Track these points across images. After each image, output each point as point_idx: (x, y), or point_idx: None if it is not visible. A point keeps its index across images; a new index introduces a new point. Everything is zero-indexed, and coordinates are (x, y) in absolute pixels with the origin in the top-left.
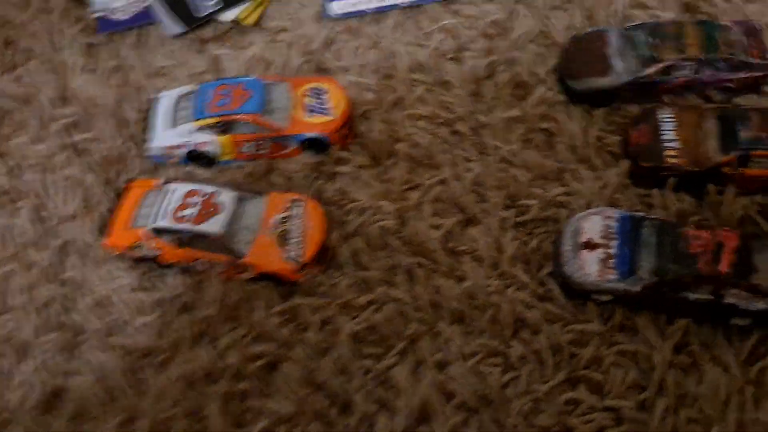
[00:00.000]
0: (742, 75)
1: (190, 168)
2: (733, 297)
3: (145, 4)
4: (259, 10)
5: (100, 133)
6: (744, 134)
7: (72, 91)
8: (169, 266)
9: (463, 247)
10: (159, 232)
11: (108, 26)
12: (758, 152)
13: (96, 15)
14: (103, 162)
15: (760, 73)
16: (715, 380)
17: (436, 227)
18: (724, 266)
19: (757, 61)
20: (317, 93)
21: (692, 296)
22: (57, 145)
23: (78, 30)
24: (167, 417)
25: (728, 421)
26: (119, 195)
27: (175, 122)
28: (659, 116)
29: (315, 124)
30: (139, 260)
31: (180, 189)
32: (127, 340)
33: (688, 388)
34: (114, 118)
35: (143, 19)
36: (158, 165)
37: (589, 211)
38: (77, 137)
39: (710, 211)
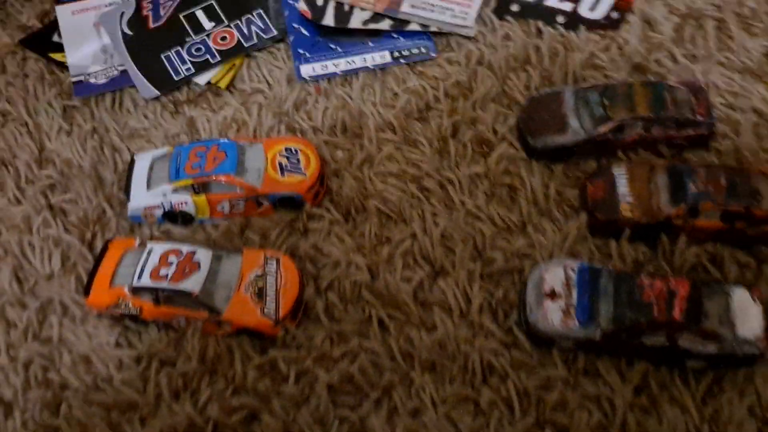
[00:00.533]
0: (689, 132)
1: (166, 227)
2: (686, 341)
3: (121, 69)
4: (231, 73)
5: (77, 194)
6: (692, 188)
7: (49, 153)
8: (149, 323)
9: (433, 299)
10: (138, 290)
11: (84, 90)
12: (706, 204)
13: (72, 79)
14: (81, 223)
15: (704, 130)
16: (673, 420)
17: (407, 280)
18: (676, 313)
19: (701, 118)
20: (290, 153)
21: (649, 341)
22: (34, 207)
23: (54, 94)
24: None
25: None
26: (97, 255)
27: (151, 184)
28: (614, 172)
29: (288, 183)
30: (120, 318)
31: (158, 248)
32: (109, 396)
33: (648, 429)
34: (91, 179)
35: (119, 84)
36: (135, 225)
37: (550, 262)
38: (55, 199)
39: (664, 260)
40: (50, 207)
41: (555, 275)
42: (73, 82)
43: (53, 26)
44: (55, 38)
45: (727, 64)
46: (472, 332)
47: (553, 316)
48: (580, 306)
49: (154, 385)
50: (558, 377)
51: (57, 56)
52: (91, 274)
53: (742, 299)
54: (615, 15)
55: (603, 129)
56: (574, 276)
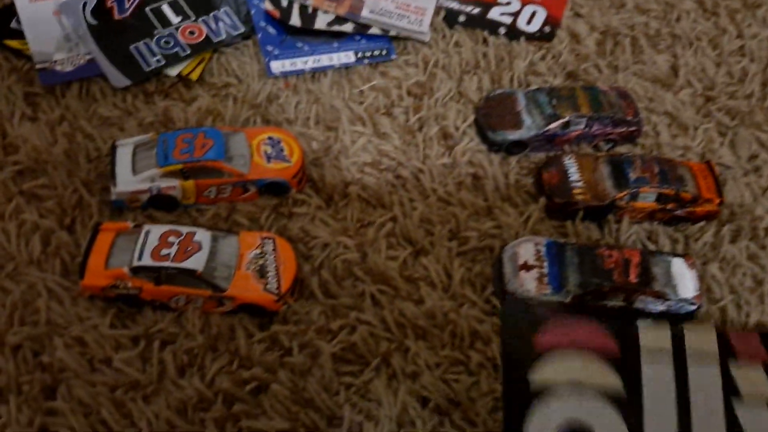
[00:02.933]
0: (622, 129)
1: (149, 212)
2: (640, 302)
3: (88, 57)
4: (201, 66)
5: (50, 180)
6: (632, 175)
7: (13, 139)
8: (143, 306)
9: (417, 275)
10: (138, 270)
11: (50, 78)
12: (644, 189)
13: (37, 66)
14: (58, 208)
15: (635, 128)
16: None
17: (393, 258)
18: (632, 277)
19: (631, 118)
20: (273, 142)
21: (609, 303)
22: (4, 194)
23: (14, 80)
24: None
25: None
26: (84, 239)
27: (137, 169)
28: (565, 161)
29: (274, 169)
30: (113, 300)
31: (156, 230)
32: (110, 377)
33: None
34: (64, 165)
35: (86, 72)
36: (117, 209)
37: (521, 239)
38: (26, 185)
39: (610, 237)
40: (21, 193)
41: (527, 250)
42: (38, 70)
43: (9, 13)
44: (13, 24)
45: (642, 75)
46: (457, 303)
47: (528, 284)
48: (551, 275)
49: (157, 362)
50: None
51: (13, 43)
52: (84, 257)
53: (679, 266)
54: (547, 29)
55: (553, 126)
56: (543, 250)
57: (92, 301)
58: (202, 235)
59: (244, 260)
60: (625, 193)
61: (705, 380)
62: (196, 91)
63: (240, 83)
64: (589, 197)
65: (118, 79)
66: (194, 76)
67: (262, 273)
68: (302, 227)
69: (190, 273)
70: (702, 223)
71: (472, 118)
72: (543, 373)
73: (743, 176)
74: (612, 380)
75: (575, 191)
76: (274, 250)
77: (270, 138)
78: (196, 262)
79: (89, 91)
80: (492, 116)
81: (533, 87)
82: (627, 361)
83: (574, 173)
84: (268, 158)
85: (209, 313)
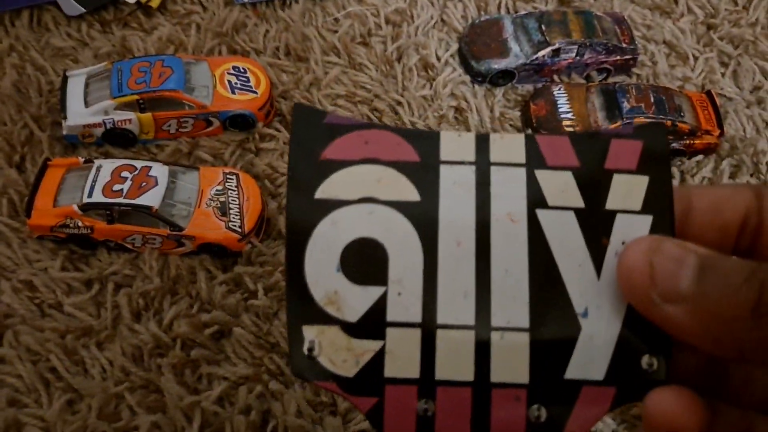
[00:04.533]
0: (616, 57)
1: (105, 149)
2: None
3: None
4: None
5: None
6: (626, 105)
7: None
8: (97, 246)
9: None
10: (89, 207)
11: None
12: (638, 119)
13: None
14: (6, 145)
15: (630, 56)
16: None
17: None
18: None
19: (626, 45)
20: (238, 72)
21: None
22: None
23: None
24: (116, 393)
25: None
26: (33, 176)
27: (90, 101)
28: (554, 92)
29: (239, 101)
30: (66, 240)
31: (108, 165)
32: (61, 323)
33: None
34: (13, 100)
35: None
36: (71, 146)
37: None
38: None
39: None
40: None
41: None
42: None
43: None
44: None
45: (640, 1)
46: None
47: None
48: None
49: (111, 307)
50: None
51: None
52: (32, 195)
53: None
54: None
55: (542, 53)
56: None
57: (42, 242)
58: (159, 170)
59: (205, 197)
60: (618, 124)
61: (508, 187)
62: (156, 19)
63: (205, 11)
64: (579, 129)
65: (72, 6)
66: (154, 3)
67: (223, 210)
68: (270, 163)
69: (145, 210)
70: (700, 157)
71: (455, 47)
72: (330, 191)
73: (746, 108)
74: (407, 192)
75: (565, 123)
76: (237, 186)
77: (235, 67)
78: (151, 198)
79: (41, 20)
80: (476, 44)
81: (523, 12)
82: (425, 171)
83: (563, 104)
84: (233, 89)
85: (168, 254)
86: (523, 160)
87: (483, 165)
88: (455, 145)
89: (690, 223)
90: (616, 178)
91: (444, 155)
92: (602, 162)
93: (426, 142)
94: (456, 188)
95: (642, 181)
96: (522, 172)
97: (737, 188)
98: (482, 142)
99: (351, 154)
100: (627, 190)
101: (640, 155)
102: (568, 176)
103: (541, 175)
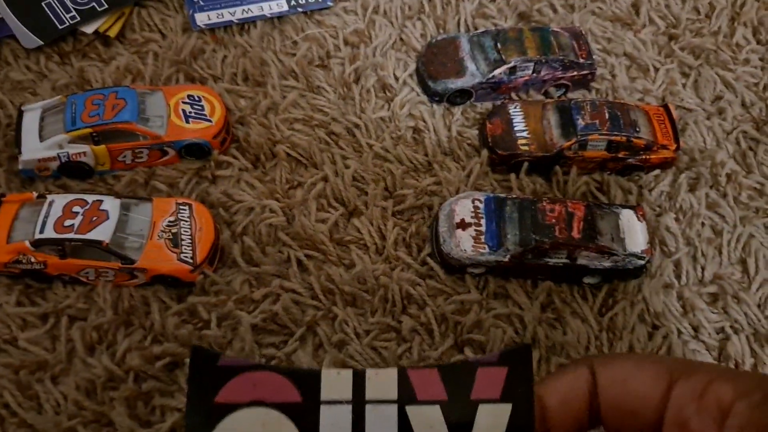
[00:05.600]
0: (573, 73)
1: (62, 182)
2: (584, 258)
3: None
4: (120, 22)
5: None
6: (581, 122)
7: None
8: (53, 280)
9: (348, 238)
10: (41, 243)
11: None
12: (593, 136)
13: None
14: None
15: (587, 71)
16: (576, 330)
17: (323, 221)
18: (575, 232)
19: (584, 60)
20: (193, 100)
21: (551, 261)
22: None
23: None
24: (69, 427)
25: None
26: None
27: (44, 135)
28: (509, 110)
29: (194, 130)
30: (21, 275)
31: (60, 200)
32: (15, 358)
33: (555, 339)
34: None
35: None
36: (28, 180)
37: (459, 195)
38: None
39: (558, 189)
40: None
41: (464, 207)
42: None
43: None
44: None
45: (600, 14)
46: (389, 266)
47: (465, 244)
48: (489, 233)
49: (65, 341)
50: (472, 301)
51: None
52: None
53: (628, 218)
54: None
55: (498, 71)
56: (481, 206)
57: None
58: (110, 204)
59: (157, 229)
60: (572, 141)
61: (381, 425)
62: (115, 48)
63: (164, 38)
64: (534, 148)
65: (29, 39)
66: (113, 32)
67: (175, 242)
68: (225, 191)
69: (96, 244)
70: (657, 172)
71: (413, 66)
72: None
73: (706, 119)
74: None
75: (520, 142)
76: (190, 216)
77: (190, 96)
78: (101, 233)
79: (1, 55)
80: (433, 64)
81: (480, 30)
82: (307, 412)
83: (519, 122)
84: (187, 118)
85: (122, 286)
86: (395, 396)
87: (359, 404)
88: (334, 383)
89: (549, 422)
90: (482, 409)
91: (324, 395)
92: (468, 393)
93: (308, 381)
94: (334, 430)
95: (505, 409)
96: (394, 409)
97: (577, 373)
98: (359, 380)
99: (240, 397)
100: (492, 421)
101: (504, 383)
102: (436, 410)
103: (411, 411)
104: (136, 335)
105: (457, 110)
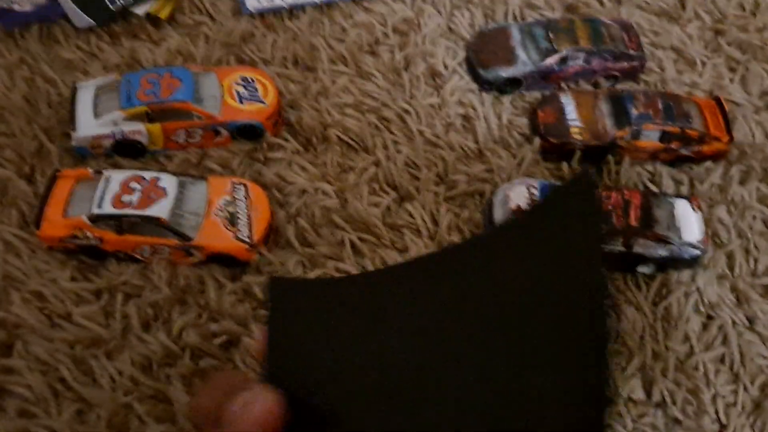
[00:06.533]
0: (624, 64)
1: (115, 160)
2: (640, 246)
3: None
4: (171, 4)
5: (8, 128)
6: (634, 111)
7: None
8: (107, 257)
9: (401, 222)
10: (98, 219)
11: (8, 18)
12: (647, 126)
13: None
14: (16, 156)
15: (637, 63)
16: (632, 319)
17: (375, 205)
18: (632, 220)
19: (634, 52)
20: (246, 82)
21: (606, 248)
22: None
23: None
24: (126, 403)
25: (646, 350)
26: (43, 188)
27: (99, 113)
28: (562, 99)
29: (248, 111)
30: (75, 251)
31: (117, 176)
32: (70, 333)
33: (611, 326)
34: (23, 112)
35: (46, 13)
36: (81, 157)
37: (513, 181)
38: None
39: (610, 179)
40: None
41: (519, 193)
42: None
43: None
44: None
45: (647, 8)
46: None
47: None
48: None
49: (120, 317)
50: None
51: None
52: (41, 206)
53: (684, 208)
54: None
55: (550, 61)
56: (537, 193)
57: (52, 253)
58: (168, 181)
59: (213, 207)
60: (626, 131)
61: None
62: (165, 30)
63: (213, 22)
64: (587, 136)
65: (82, 19)
66: (164, 14)
67: (232, 221)
68: (278, 173)
69: (153, 221)
70: (708, 164)
71: (462, 55)
72: None
73: (754, 113)
74: None
75: (573, 130)
76: (246, 196)
77: (243, 78)
78: (160, 209)
79: (50, 33)
80: (484, 52)
81: (529, 21)
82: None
83: (571, 111)
84: (241, 99)
85: (177, 264)
86: None
87: None
88: None
89: None
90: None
91: None
92: None
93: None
94: None
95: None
96: None
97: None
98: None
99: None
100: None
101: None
102: None
103: None
104: (191, 313)
105: (507, 99)
